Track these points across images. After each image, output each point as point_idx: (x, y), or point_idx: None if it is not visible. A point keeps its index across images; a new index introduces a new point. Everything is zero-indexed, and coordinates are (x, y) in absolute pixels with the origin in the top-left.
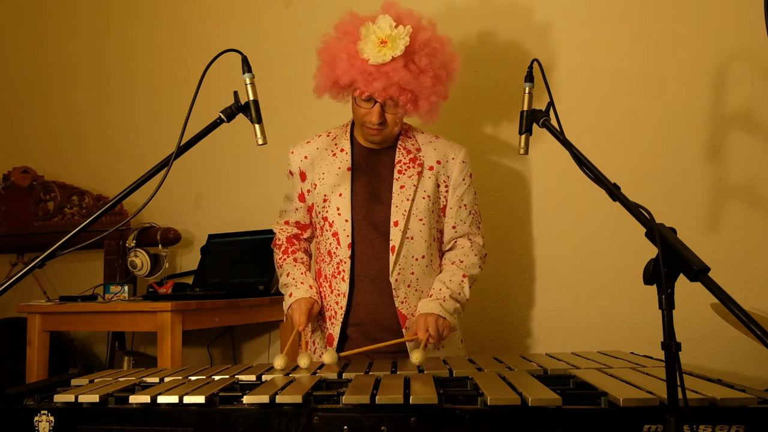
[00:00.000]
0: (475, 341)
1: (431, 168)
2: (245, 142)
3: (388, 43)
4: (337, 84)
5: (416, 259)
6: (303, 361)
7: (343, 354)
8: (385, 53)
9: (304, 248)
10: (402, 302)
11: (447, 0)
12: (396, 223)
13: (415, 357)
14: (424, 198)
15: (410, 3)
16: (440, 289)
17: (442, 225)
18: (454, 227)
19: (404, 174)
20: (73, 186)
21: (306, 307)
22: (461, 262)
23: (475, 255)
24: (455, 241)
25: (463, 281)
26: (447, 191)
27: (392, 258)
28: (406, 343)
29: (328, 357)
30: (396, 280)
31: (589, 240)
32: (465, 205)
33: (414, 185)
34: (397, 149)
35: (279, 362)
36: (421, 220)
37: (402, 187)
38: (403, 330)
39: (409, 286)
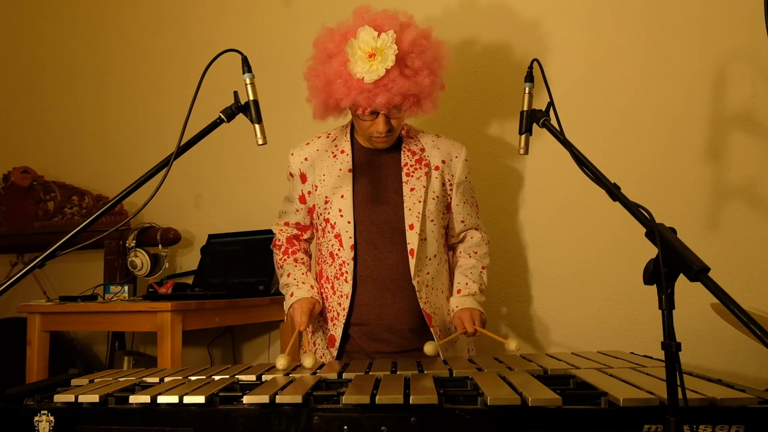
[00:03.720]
0: (475, 341)
1: (437, 168)
2: (245, 142)
3: (376, 56)
4: (338, 107)
5: (429, 259)
6: (307, 361)
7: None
8: (378, 68)
9: (304, 249)
10: (425, 303)
11: (447, 1)
12: (411, 226)
13: (512, 345)
14: (433, 199)
15: (413, 5)
16: (467, 284)
17: (446, 221)
18: (463, 221)
19: (413, 176)
20: (73, 186)
21: (307, 307)
22: (476, 253)
23: (486, 244)
24: (465, 233)
25: (483, 272)
26: (451, 189)
27: (413, 261)
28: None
29: (431, 348)
30: (418, 282)
31: (590, 240)
32: (468, 200)
33: (423, 186)
34: (402, 151)
35: (281, 362)
36: (432, 221)
37: (412, 189)
38: (431, 330)
39: (427, 286)
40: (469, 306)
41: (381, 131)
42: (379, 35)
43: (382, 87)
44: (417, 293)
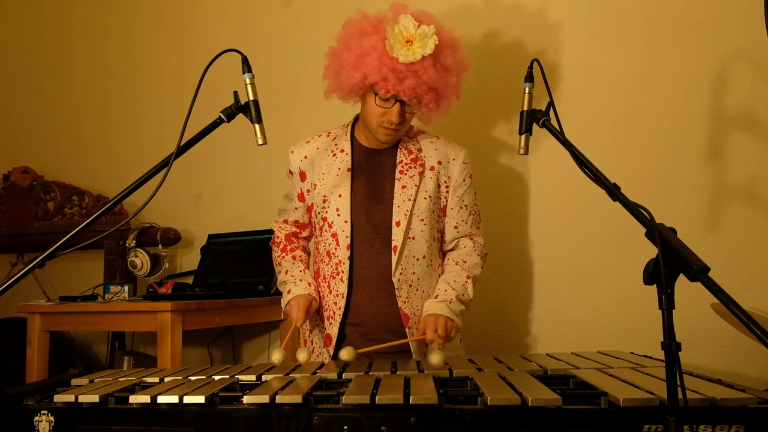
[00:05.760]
0: (475, 341)
1: (432, 168)
2: (245, 142)
3: (415, 42)
4: (362, 82)
5: (417, 259)
6: (302, 356)
7: (360, 351)
8: (416, 52)
9: (303, 246)
10: (405, 302)
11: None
12: (398, 223)
13: (436, 358)
14: (425, 198)
15: (416, 2)
16: (446, 290)
17: (442, 225)
18: (456, 227)
19: (406, 174)
20: (73, 186)
21: (304, 304)
22: (464, 262)
23: (478, 255)
24: (457, 241)
25: (467, 282)
26: (447, 191)
27: (394, 258)
28: (410, 343)
29: (345, 353)
30: (398, 280)
31: (589, 240)
32: (466, 206)
33: (415, 185)
34: (399, 149)
35: (277, 356)
36: (422, 220)
37: (404, 187)
38: (406, 330)
39: (410, 286)
40: (438, 312)
41: (394, 121)
42: (419, 26)
43: (413, 72)
44: (396, 291)
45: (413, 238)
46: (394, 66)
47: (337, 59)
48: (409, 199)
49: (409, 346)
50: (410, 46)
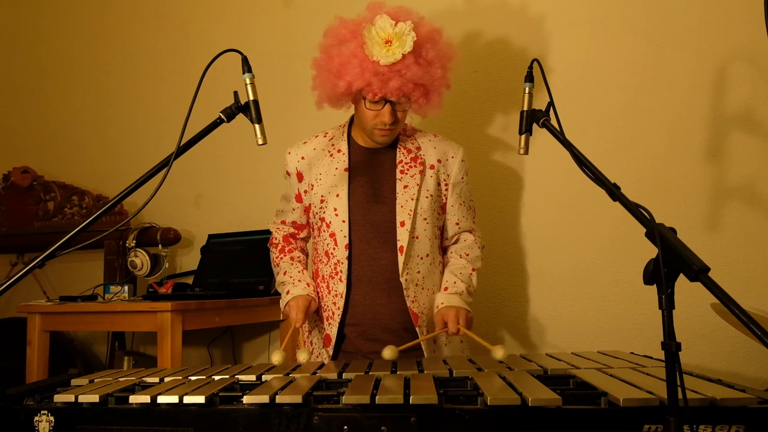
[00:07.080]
0: (468, 343)
1: (432, 167)
2: (245, 142)
3: (393, 42)
4: (348, 90)
5: (421, 258)
6: (302, 357)
7: (401, 348)
8: (395, 52)
9: (301, 247)
10: (413, 302)
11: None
12: (402, 224)
13: (500, 353)
14: (427, 197)
15: (412, 2)
16: (455, 282)
17: (441, 222)
18: (457, 224)
19: (407, 173)
20: (73, 186)
21: (303, 305)
22: (467, 255)
23: (478, 247)
24: (458, 235)
25: (472, 274)
26: (447, 189)
27: (401, 258)
28: (421, 341)
29: (388, 352)
30: (406, 280)
31: (589, 240)
32: (464, 202)
33: (417, 184)
34: (398, 149)
35: (277, 357)
36: (425, 219)
37: (405, 186)
38: (417, 329)
39: (417, 285)
40: (455, 304)
41: (386, 122)
42: (396, 24)
43: (395, 72)
44: (404, 291)
45: (417, 238)
46: (377, 69)
47: (322, 69)
48: (412, 199)
49: (420, 344)
50: (389, 46)
